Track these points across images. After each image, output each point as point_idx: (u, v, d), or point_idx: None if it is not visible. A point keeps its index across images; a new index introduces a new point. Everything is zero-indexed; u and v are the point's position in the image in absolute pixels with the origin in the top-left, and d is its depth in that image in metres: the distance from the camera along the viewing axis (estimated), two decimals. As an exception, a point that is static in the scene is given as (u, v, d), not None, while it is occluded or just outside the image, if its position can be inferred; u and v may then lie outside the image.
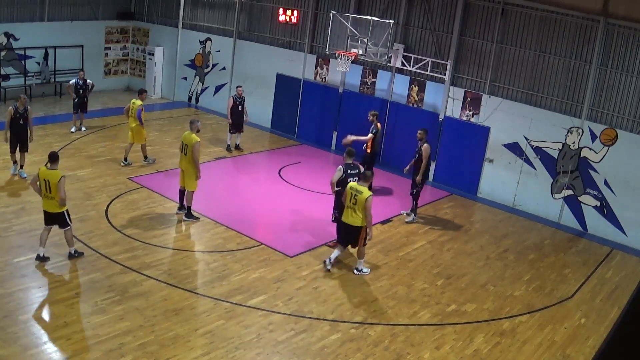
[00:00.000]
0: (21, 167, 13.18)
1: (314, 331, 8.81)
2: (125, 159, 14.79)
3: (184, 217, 12.00)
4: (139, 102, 14.72)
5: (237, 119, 16.70)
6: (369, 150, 14.17)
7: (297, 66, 18.87)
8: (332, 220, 11.55)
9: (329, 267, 10.65)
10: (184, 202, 12.05)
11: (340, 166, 11.13)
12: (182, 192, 12.13)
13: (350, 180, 10.76)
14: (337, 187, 11.11)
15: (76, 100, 16.72)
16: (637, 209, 13.46)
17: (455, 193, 15.73)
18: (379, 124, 14.25)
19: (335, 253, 10.73)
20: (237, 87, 17.07)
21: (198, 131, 11.96)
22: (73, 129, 16.79)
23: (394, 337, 8.93)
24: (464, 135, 15.83)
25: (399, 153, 17.04)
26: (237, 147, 17.07)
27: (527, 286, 11.08)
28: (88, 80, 17.02)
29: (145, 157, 15.14)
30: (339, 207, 11.18)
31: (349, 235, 10.47)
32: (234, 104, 16.58)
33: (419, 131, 13.27)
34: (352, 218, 10.26)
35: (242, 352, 8.13)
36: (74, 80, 16.87)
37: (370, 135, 14.10)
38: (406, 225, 13.20)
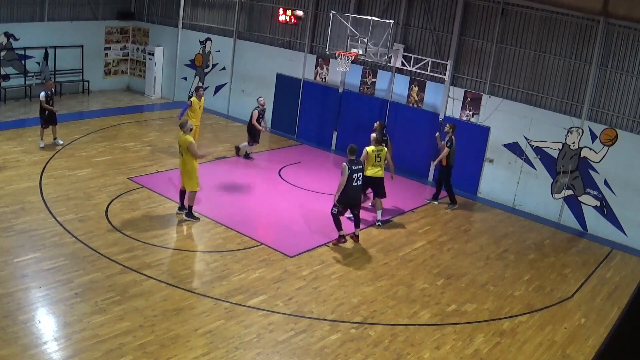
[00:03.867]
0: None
1: (314, 331, 8.82)
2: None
3: (184, 217, 12.00)
4: (192, 99, 15.58)
5: (258, 131, 16.01)
6: (444, 164, 14.16)
7: (297, 66, 18.87)
8: (334, 213, 11.59)
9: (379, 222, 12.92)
10: (185, 202, 12.06)
11: (344, 164, 11.38)
12: (182, 193, 12.13)
13: (355, 177, 11.40)
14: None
15: (47, 113, 15.01)
16: (637, 209, 13.46)
17: (455, 193, 15.68)
18: (453, 137, 14.12)
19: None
20: (258, 98, 16.15)
21: (191, 130, 11.99)
22: (42, 144, 15.12)
23: (394, 337, 8.93)
24: (464, 135, 15.80)
25: (399, 153, 17.03)
26: (247, 156, 16.49)
27: (527, 286, 11.08)
28: (53, 90, 15.67)
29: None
30: (343, 202, 11.46)
31: (379, 187, 12.91)
32: (259, 116, 15.80)
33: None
34: (380, 171, 12.81)
35: (242, 352, 8.13)
36: (43, 93, 15.03)
37: (446, 149, 14.07)
38: (406, 225, 13.22)
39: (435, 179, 15.01)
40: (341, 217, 11.65)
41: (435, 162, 14.78)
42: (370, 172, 12.71)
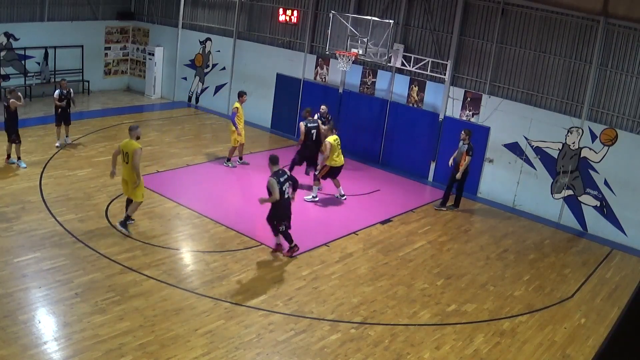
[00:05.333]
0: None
1: (314, 331, 8.82)
2: (228, 159, 15.60)
3: (117, 225, 11.08)
4: (235, 105, 15.18)
5: (314, 149, 14.44)
6: (460, 168, 13.91)
7: (297, 66, 18.87)
8: (283, 231, 10.88)
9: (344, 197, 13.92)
10: (127, 211, 11.13)
11: (271, 179, 10.44)
12: (129, 201, 11.23)
13: (284, 188, 10.55)
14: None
15: (59, 111, 15.24)
16: (637, 209, 13.46)
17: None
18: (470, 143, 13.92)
19: (316, 190, 13.79)
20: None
21: (138, 138, 10.91)
22: (58, 144, 15.38)
23: (394, 337, 8.93)
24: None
25: (399, 153, 17.06)
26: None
27: (527, 286, 11.08)
28: (70, 89, 15.59)
29: (240, 158, 15.66)
30: (281, 218, 10.74)
31: (339, 173, 13.63)
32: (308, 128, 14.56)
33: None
34: (341, 158, 13.54)
35: (242, 352, 8.13)
36: (58, 91, 15.23)
37: (468, 158, 13.82)
38: (406, 225, 13.22)
39: (446, 183, 14.61)
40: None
41: (459, 175, 13.92)
42: (337, 162, 13.38)
